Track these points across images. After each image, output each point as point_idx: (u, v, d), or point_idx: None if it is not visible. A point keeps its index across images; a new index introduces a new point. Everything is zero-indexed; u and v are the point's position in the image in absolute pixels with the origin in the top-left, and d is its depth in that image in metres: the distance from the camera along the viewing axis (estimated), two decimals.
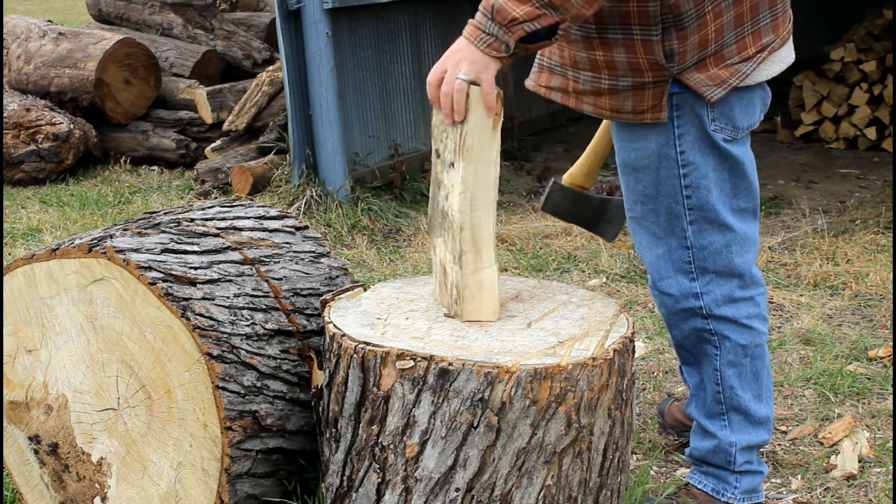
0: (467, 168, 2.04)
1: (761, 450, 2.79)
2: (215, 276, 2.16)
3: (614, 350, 2.00)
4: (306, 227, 2.55)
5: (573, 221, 2.83)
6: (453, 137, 2.05)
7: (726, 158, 2.27)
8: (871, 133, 6.35)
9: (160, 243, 2.19)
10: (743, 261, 2.34)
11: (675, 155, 2.26)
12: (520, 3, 1.94)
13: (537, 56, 2.38)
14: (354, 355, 1.98)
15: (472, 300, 2.12)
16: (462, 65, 2.00)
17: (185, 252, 2.19)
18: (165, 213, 2.44)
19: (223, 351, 2.05)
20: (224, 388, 2.04)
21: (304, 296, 2.30)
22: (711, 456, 2.46)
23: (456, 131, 2.04)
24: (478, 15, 2.00)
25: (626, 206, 2.40)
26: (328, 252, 2.49)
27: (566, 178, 2.79)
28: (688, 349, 2.45)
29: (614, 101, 2.24)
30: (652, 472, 2.70)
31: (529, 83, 2.43)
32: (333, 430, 2.07)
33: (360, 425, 2.01)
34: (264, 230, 2.43)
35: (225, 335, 2.07)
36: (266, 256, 2.33)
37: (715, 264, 2.32)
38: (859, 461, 2.71)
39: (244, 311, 2.15)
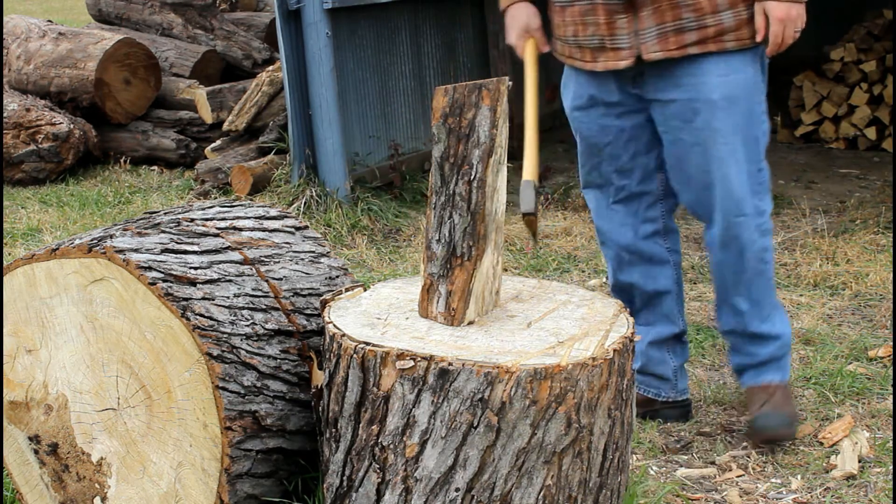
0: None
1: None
2: (215, 276, 2.16)
3: (614, 350, 2.00)
4: (306, 227, 2.55)
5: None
6: (502, 135, 2.07)
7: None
8: (871, 133, 6.35)
9: (160, 243, 2.19)
10: None
11: (761, 82, 2.67)
12: None
13: (638, 30, 2.62)
14: (354, 355, 1.98)
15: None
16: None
17: (185, 252, 2.19)
18: (165, 213, 2.44)
19: (223, 351, 2.05)
20: (224, 388, 2.04)
21: (304, 296, 2.30)
22: (779, 350, 2.84)
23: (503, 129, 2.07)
24: None
25: (714, 147, 2.64)
26: (328, 252, 2.49)
27: (533, 176, 2.78)
28: (748, 271, 2.74)
29: (750, 28, 2.60)
30: (652, 472, 2.70)
31: (656, 55, 2.63)
32: (333, 430, 2.07)
33: (360, 425, 2.01)
34: (264, 230, 2.43)
35: (225, 335, 2.07)
36: (266, 256, 2.33)
37: (767, 179, 2.73)
38: (859, 461, 2.71)
39: (244, 311, 2.15)
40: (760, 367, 2.86)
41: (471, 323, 2.12)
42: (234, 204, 2.59)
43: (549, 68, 7.89)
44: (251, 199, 5.26)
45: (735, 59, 2.61)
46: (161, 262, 2.11)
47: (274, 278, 2.27)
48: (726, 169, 2.64)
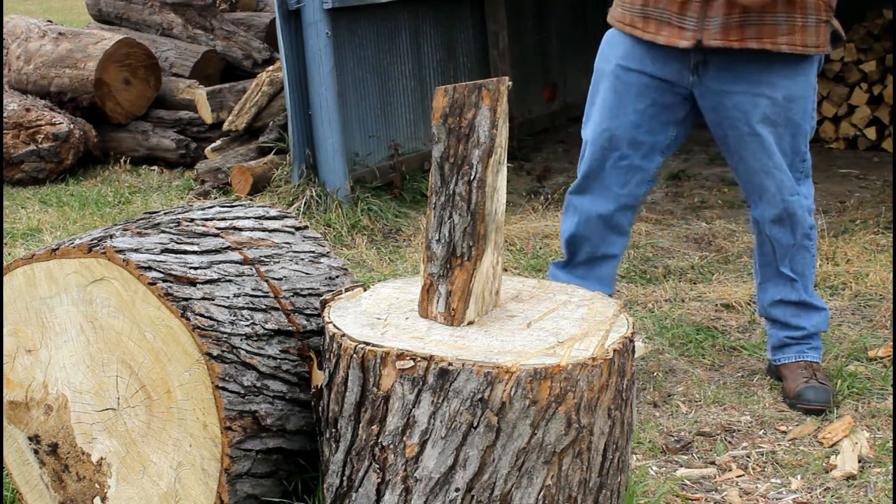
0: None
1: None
2: (215, 276, 2.16)
3: (614, 350, 2.00)
4: (306, 227, 2.55)
5: None
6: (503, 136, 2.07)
7: None
8: (871, 133, 6.35)
9: (160, 243, 2.19)
10: None
11: (815, 82, 2.92)
12: None
13: (706, 16, 2.77)
14: (354, 355, 1.98)
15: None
16: None
17: (185, 252, 2.19)
18: (165, 213, 2.44)
19: (223, 351, 2.05)
20: (224, 388, 2.04)
21: (304, 296, 2.30)
22: (821, 324, 3.13)
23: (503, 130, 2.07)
24: None
25: (770, 137, 2.87)
26: (328, 252, 2.49)
27: None
28: (796, 245, 3.02)
29: (804, 36, 2.79)
30: (652, 472, 2.70)
31: (716, 43, 2.78)
32: (333, 430, 2.07)
33: (360, 425, 2.01)
34: (264, 230, 2.43)
35: (225, 335, 2.07)
36: (266, 256, 2.33)
37: (809, 168, 3.00)
38: (859, 461, 2.71)
39: (244, 311, 2.15)
40: (803, 343, 3.11)
41: (471, 323, 2.12)
42: (234, 204, 2.59)
43: (548, 69, 7.86)
44: (251, 199, 5.26)
45: (802, 64, 2.85)
46: (161, 262, 2.11)
47: (274, 278, 2.27)
48: (780, 157, 2.91)
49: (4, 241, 4.85)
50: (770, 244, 3.06)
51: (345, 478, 2.06)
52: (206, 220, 2.40)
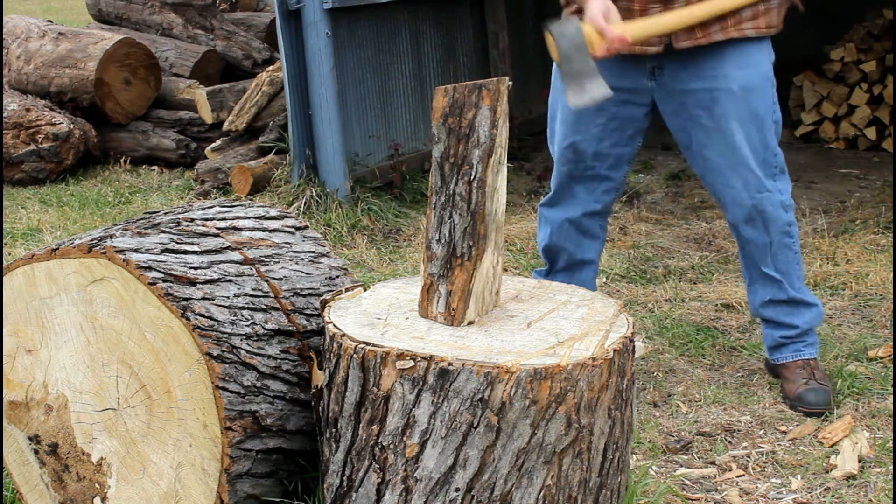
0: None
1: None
2: (215, 276, 2.16)
3: (614, 350, 2.00)
4: (306, 227, 2.55)
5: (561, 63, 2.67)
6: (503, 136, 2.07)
7: None
8: (871, 133, 6.34)
9: (160, 243, 2.19)
10: None
11: (772, 74, 2.87)
12: None
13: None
14: (354, 355, 1.98)
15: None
16: None
17: (185, 252, 2.20)
18: (165, 213, 2.44)
19: (223, 351, 2.05)
20: (224, 388, 2.04)
21: (304, 296, 2.30)
22: (815, 320, 3.09)
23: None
24: None
25: (733, 132, 2.84)
26: (328, 252, 2.49)
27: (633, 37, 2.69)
28: (774, 244, 2.97)
29: (769, 18, 2.81)
30: (652, 472, 2.70)
31: (685, 44, 2.78)
32: (333, 430, 2.07)
33: (360, 425, 2.01)
34: (264, 230, 2.43)
35: (225, 335, 2.07)
36: (266, 256, 2.33)
37: (783, 163, 2.96)
38: (859, 461, 2.71)
39: (244, 311, 2.15)
40: (798, 341, 3.09)
41: (471, 323, 2.12)
42: (234, 204, 2.59)
43: (548, 69, 7.85)
44: (251, 199, 5.26)
45: (753, 53, 2.82)
46: (161, 262, 2.11)
47: (274, 278, 2.27)
48: (745, 152, 2.86)
49: (4, 241, 4.85)
50: (748, 246, 3.03)
51: (345, 478, 2.06)
52: (206, 220, 2.40)
